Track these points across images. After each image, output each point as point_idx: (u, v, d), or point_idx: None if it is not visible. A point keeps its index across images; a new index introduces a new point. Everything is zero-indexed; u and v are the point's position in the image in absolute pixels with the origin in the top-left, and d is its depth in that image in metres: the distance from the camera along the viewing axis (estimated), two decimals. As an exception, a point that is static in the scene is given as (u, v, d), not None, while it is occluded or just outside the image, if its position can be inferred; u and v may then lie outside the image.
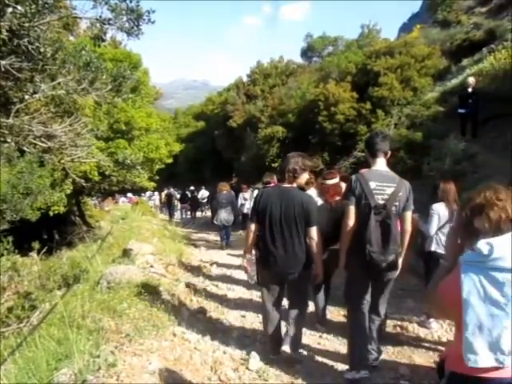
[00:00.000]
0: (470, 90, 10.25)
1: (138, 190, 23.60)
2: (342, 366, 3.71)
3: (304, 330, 4.12)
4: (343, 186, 4.34)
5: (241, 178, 18.19)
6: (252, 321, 4.95)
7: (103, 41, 5.89)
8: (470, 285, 1.59)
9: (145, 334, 3.74)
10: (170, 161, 19.84)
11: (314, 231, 3.62)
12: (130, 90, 9.15)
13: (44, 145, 6.40)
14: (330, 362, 3.87)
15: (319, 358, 3.95)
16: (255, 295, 5.79)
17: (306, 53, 32.13)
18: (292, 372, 3.67)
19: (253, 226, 3.80)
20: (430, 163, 10.08)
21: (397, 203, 3.32)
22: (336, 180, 4.67)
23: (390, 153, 3.49)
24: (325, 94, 15.16)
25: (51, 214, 11.72)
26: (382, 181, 3.34)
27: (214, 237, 12.94)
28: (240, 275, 7.00)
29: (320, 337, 4.49)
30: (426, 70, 14.70)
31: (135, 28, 5.38)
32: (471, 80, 10.57)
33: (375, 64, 14.77)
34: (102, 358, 3.06)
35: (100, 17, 5.27)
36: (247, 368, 3.70)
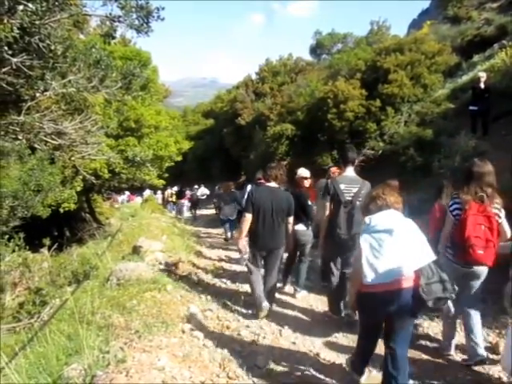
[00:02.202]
0: (482, 85, 10.05)
1: (137, 189, 23.56)
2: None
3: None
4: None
5: (249, 176, 18.14)
6: (261, 319, 4.95)
7: (113, 38, 5.91)
8: (364, 242, 2.95)
9: (154, 330, 3.76)
10: (179, 158, 19.92)
11: (291, 219, 5.04)
12: (140, 88, 9.18)
13: (55, 142, 6.44)
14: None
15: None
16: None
17: (315, 50, 31.99)
18: (301, 370, 3.68)
19: (248, 216, 4.78)
20: (440, 161, 10.00)
21: (360, 199, 4.47)
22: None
23: (356, 161, 4.93)
24: (334, 91, 15.04)
25: (62, 210, 11.87)
26: (350, 183, 4.61)
27: (220, 233, 13.29)
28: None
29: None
30: (436, 67, 14.50)
31: (145, 25, 5.38)
32: (482, 74, 10.37)
33: (385, 61, 14.62)
34: (111, 354, 3.08)
35: (110, 14, 5.28)
36: (255, 365, 3.71)
